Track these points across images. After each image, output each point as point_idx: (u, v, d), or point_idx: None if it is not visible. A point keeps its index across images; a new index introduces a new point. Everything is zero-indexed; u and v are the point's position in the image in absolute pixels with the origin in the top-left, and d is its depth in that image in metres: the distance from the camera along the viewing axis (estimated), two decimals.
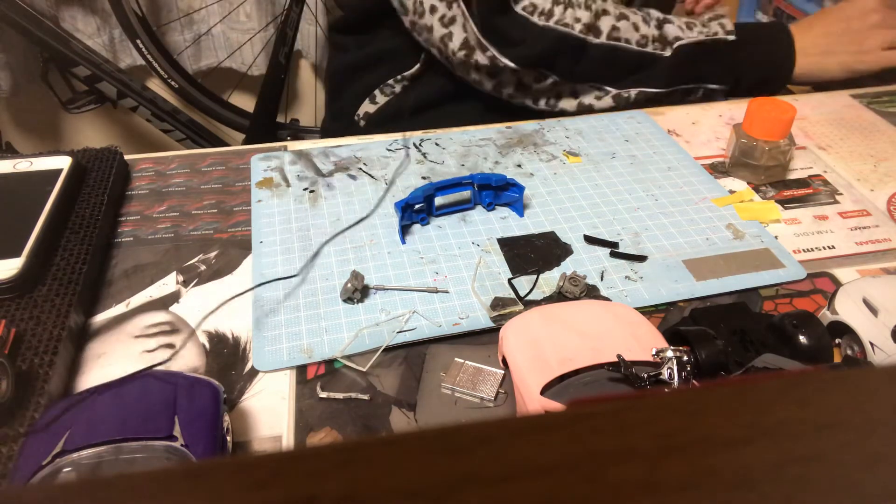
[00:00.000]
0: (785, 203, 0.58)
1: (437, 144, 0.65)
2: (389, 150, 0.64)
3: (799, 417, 0.13)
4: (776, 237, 0.53)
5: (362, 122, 0.87)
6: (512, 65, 0.72)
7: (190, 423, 0.34)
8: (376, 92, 0.86)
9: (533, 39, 0.71)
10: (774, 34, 0.77)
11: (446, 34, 0.73)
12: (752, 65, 0.76)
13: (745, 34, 0.75)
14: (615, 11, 0.73)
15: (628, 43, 0.72)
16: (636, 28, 0.73)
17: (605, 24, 0.72)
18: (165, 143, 1.61)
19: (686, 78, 0.75)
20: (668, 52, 0.73)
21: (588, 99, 0.76)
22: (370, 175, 0.61)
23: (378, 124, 0.86)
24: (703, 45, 0.74)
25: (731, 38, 0.74)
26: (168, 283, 0.50)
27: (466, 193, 0.56)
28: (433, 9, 0.72)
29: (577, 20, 0.71)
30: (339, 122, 0.92)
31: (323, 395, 0.41)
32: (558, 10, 0.71)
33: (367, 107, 0.87)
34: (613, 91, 0.75)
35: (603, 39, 0.72)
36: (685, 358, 0.37)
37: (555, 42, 0.71)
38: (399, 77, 0.84)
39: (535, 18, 0.71)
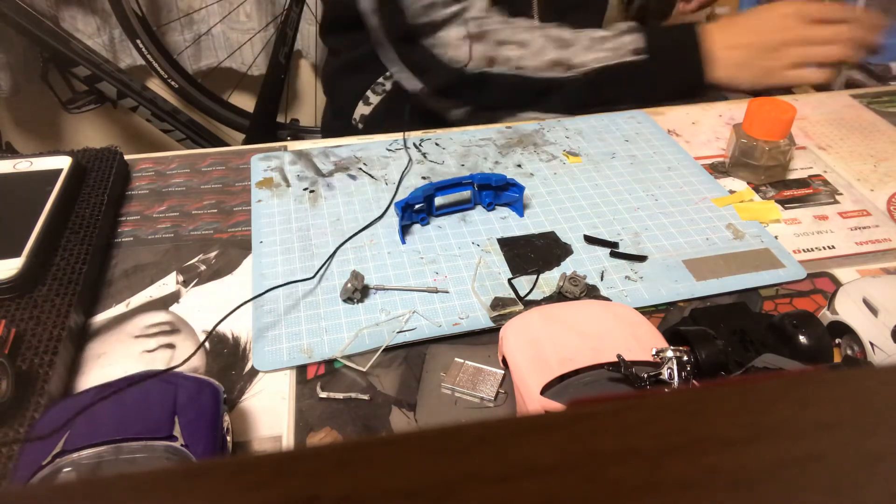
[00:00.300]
0: (785, 203, 0.58)
1: (437, 144, 0.65)
2: (389, 150, 0.64)
3: (799, 417, 0.13)
4: (776, 237, 0.53)
5: (360, 126, 0.87)
6: (418, 92, 0.75)
7: (190, 423, 0.34)
8: (368, 93, 0.86)
9: (437, 72, 0.74)
10: (686, 48, 0.73)
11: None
12: (662, 82, 0.74)
13: (656, 50, 0.72)
14: (517, 38, 0.72)
15: (529, 70, 0.72)
16: (538, 54, 0.72)
17: (506, 53, 0.72)
18: (165, 143, 1.61)
19: (596, 101, 0.74)
20: (572, 75, 0.73)
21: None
22: (370, 175, 0.61)
23: (376, 125, 0.86)
24: (610, 69, 0.72)
25: (638, 58, 0.72)
26: (168, 283, 0.50)
27: (466, 193, 0.56)
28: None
29: (478, 53, 0.72)
30: (339, 120, 0.92)
31: (323, 395, 0.41)
32: (461, 43, 0.72)
33: (361, 109, 0.86)
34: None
35: (503, 69, 0.72)
36: (685, 358, 0.37)
37: (456, 75, 0.73)
38: (388, 74, 0.83)
39: (438, 52, 0.73)
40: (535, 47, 0.72)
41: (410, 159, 0.62)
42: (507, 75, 0.73)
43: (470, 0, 0.72)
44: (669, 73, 0.73)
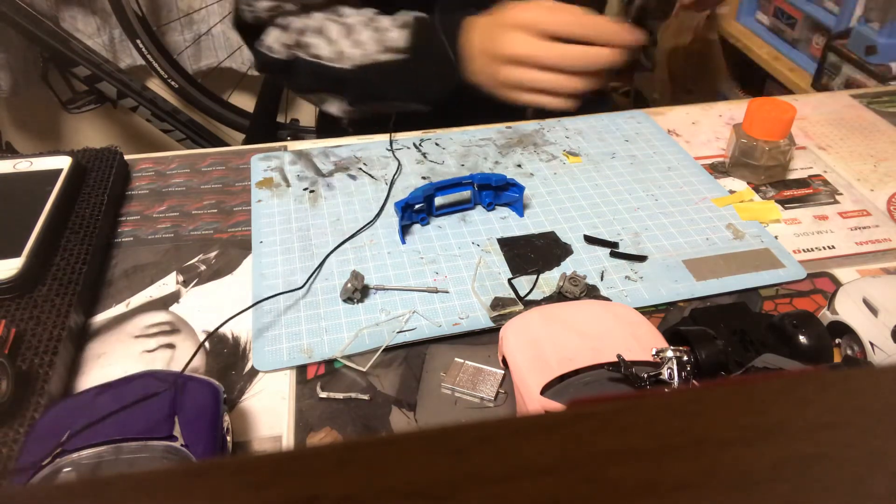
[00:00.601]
0: (785, 203, 0.58)
1: (437, 144, 0.65)
2: (389, 150, 0.64)
3: (799, 417, 0.13)
4: (776, 237, 0.53)
5: (349, 129, 0.86)
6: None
7: (190, 423, 0.34)
8: None
9: (260, 59, 0.75)
10: (443, 52, 0.66)
11: None
12: (422, 83, 0.68)
13: (414, 50, 0.67)
14: (315, 25, 0.72)
15: (325, 59, 0.70)
16: (330, 43, 0.70)
17: (305, 40, 0.72)
18: (165, 143, 1.61)
19: (369, 96, 0.71)
20: (350, 67, 0.70)
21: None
22: (370, 175, 0.61)
23: (365, 126, 0.85)
24: (374, 65, 0.68)
25: (396, 57, 0.67)
26: (168, 283, 0.50)
27: (466, 193, 0.56)
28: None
29: (283, 40, 0.72)
30: (328, 121, 0.91)
31: (323, 395, 0.41)
32: (271, 31, 0.73)
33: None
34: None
35: (305, 56, 0.71)
36: (685, 358, 0.37)
37: (270, 62, 0.73)
38: None
39: (258, 43, 0.74)
40: (329, 36, 0.70)
41: (399, 163, 0.62)
42: (308, 62, 0.71)
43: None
44: (426, 75, 0.67)
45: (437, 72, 0.67)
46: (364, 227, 0.54)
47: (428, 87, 0.68)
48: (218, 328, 0.45)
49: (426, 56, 0.67)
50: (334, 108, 0.76)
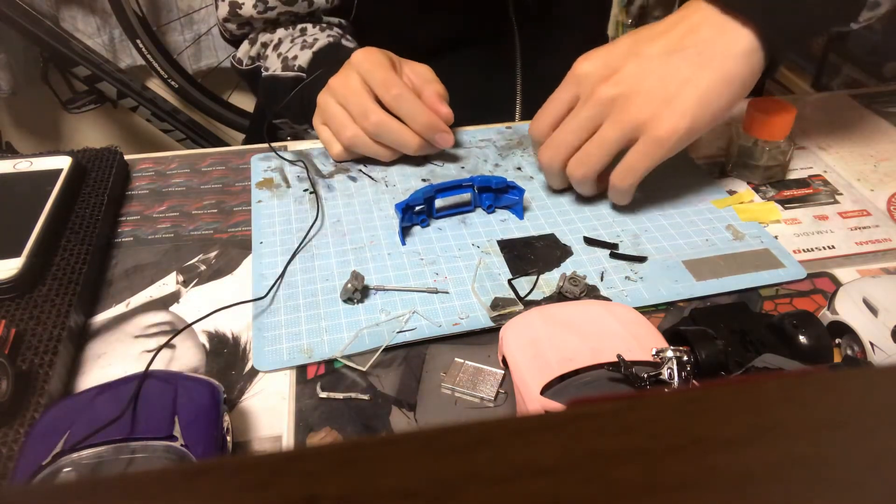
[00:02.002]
0: (785, 203, 0.58)
1: None
2: None
3: (799, 417, 0.13)
4: (776, 237, 0.53)
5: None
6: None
7: (190, 423, 0.34)
8: None
9: (237, 71, 0.77)
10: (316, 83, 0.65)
11: None
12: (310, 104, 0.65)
13: (311, 71, 0.66)
14: (275, 40, 0.72)
15: (273, 71, 0.71)
16: (278, 58, 0.70)
17: (266, 52, 0.73)
18: (165, 143, 1.61)
19: (274, 113, 0.71)
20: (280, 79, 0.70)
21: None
22: (370, 177, 0.61)
23: None
24: (279, 80, 0.69)
25: (291, 74, 0.67)
26: (168, 283, 0.50)
27: (466, 196, 0.56)
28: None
29: (250, 52, 0.74)
30: None
31: (323, 395, 0.41)
32: (244, 44, 0.75)
33: None
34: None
35: (262, 69, 0.73)
36: (685, 358, 0.37)
37: (239, 73, 0.75)
38: None
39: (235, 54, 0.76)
40: (281, 51, 0.71)
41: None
42: (266, 76, 0.72)
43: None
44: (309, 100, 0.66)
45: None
46: (309, 237, 0.54)
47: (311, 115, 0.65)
48: (197, 321, 0.45)
49: (314, 82, 0.65)
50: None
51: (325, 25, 0.75)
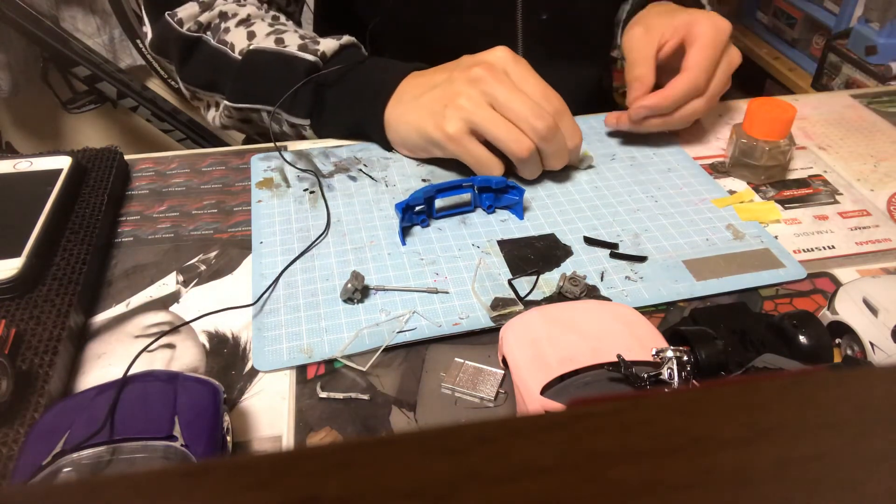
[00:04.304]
0: (785, 203, 0.58)
1: None
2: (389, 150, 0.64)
3: (799, 417, 0.13)
4: (776, 237, 0.53)
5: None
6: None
7: (190, 423, 0.34)
8: None
9: (157, 33, 0.69)
10: (363, 83, 0.62)
11: None
12: (341, 109, 0.63)
13: (343, 73, 0.62)
14: (243, 15, 0.67)
15: (230, 48, 0.65)
16: (249, 37, 0.65)
17: (226, 25, 0.67)
18: (165, 143, 1.61)
19: (247, 93, 0.65)
20: (237, 56, 0.64)
21: (210, 114, 0.70)
22: (370, 177, 0.61)
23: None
24: (281, 58, 0.63)
25: (310, 58, 0.62)
26: (168, 283, 0.50)
27: (466, 196, 0.56)
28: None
29: (200, 17, 0.67)
30: None
31: (323, 395, 0.41)
32: (190, 7, 0.67)
33: None
34: (224, 102, 0.68)
35: (211, 40, 0.66)
36: (685, 358, 0.37)
37: (169, 38, 0.67)
38: None
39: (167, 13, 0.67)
40: (254, 30, 0.65)
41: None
42: (211, 47, 0.65)
43: None
44: (349, 98, 0.64)
45: (347, 100, 0.63)
46: (315, 242, 0.54)
47: (326, 111, 0.64)
48: (192, 321, 0.45)
49: (341, 78, 0.63)
50: (211, 112, 0.71)
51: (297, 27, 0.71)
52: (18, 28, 1.33)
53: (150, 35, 0.71)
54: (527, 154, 0.54)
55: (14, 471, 0.32)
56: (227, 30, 0.66)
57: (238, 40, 0.65)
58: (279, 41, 0.64)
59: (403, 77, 0.61)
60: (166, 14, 0.67)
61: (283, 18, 0.69)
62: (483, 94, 0.54)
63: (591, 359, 0.38)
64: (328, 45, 0.64)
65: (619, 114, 0.64)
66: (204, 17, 0.67)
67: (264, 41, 0.64)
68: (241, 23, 0.66)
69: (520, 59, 0.56)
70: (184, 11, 0.66)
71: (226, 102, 0.67)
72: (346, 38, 0.65)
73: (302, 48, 0.63)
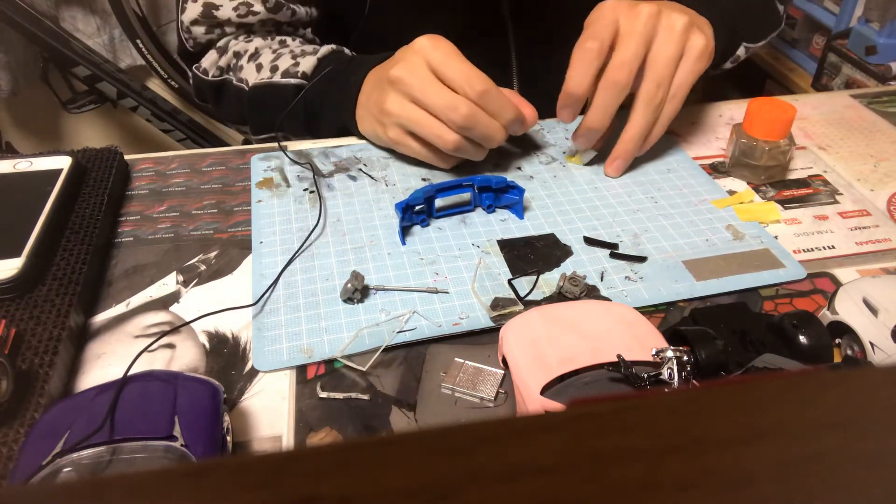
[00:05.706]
0: (785, 203, 0.58)
1: None
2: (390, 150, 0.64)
3: (799, 417, 0.13)
4: (776, 237, 0.53)
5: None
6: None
7: (190, 423, 0.34)
8: None
9: (196, 84, 0.74)
10: (341, 90, 0.64)
11: None
12: (329, 119, 0.66)
13: (325, 84, 0.65)
14: (251, 49, 0.70)
15: (247, 82, 0.69)
16: (259, 69, 0.68)
17: (240, 63, 0.70)
18: (165, 143, 1.61)
19: (263, 124, 0.69)
20: (245, 88, 0.68)
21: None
22: (370, 176, 0.61)
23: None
24: (273, 87, 0.66)
25: (288, 82, 0.65)
26: (168, 283, 0.50)
27: (466, 195, 0.56)
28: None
29: (219, 62, 0.71)
30: None
31: (323, 395, 0.41)
32: (210, 55, 0.71)
33: None
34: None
35: (233, 79, 0.71)
36: (685, 358, 0.37)
37: (204, 85, 0.72)
38: None
39: (196, 66, 0.72)
40: (261, 62, 0.69)
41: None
42: (234, 86, 0.70)
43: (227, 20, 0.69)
44: (329, 114, 0.67)
45: (331, 108, 0.65)
46: (308, 237, 0.54)
47: (320, 122, 0.66)
48: (191, 321, 0.45)
49: (324, 89, 0.65)
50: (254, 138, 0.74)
51: (304, 41, 0.73)
52: (18, 28, 1.33)
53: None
54: (452, 147, 0.55)
55: (14, 471, 0.32)
56: (241, 67, 0.70)
57: (250, 76, 0.69)
58: (274, 69, 0.68)
59: (365, 77, 0.62)
60: (193, 67, 0.73)
61: (289, 40, 0.72)
62: (404, 94, 0.55)
63: (591, 359, 0.38)
64: (307, 63, 0.66)
65: (615, 163, 0.61)
66: (223, 62, 0.71)
67: (265, 73, 0.68)
68: (250, 58, 0.70)
69: (440, 43, 0.54)
70: (206, 61, 0.72)
71: (251, 136, 0.73)
72: (323, 50, 0.67)
73: (285, 74, 0.66)
